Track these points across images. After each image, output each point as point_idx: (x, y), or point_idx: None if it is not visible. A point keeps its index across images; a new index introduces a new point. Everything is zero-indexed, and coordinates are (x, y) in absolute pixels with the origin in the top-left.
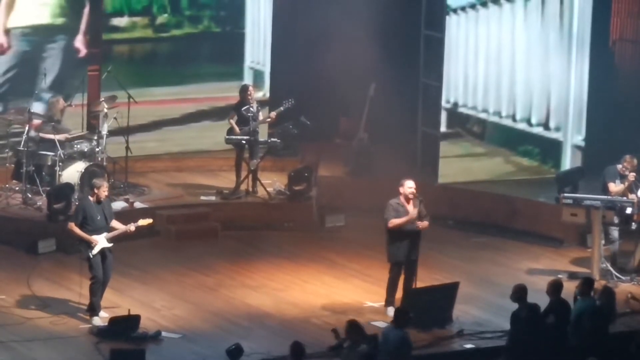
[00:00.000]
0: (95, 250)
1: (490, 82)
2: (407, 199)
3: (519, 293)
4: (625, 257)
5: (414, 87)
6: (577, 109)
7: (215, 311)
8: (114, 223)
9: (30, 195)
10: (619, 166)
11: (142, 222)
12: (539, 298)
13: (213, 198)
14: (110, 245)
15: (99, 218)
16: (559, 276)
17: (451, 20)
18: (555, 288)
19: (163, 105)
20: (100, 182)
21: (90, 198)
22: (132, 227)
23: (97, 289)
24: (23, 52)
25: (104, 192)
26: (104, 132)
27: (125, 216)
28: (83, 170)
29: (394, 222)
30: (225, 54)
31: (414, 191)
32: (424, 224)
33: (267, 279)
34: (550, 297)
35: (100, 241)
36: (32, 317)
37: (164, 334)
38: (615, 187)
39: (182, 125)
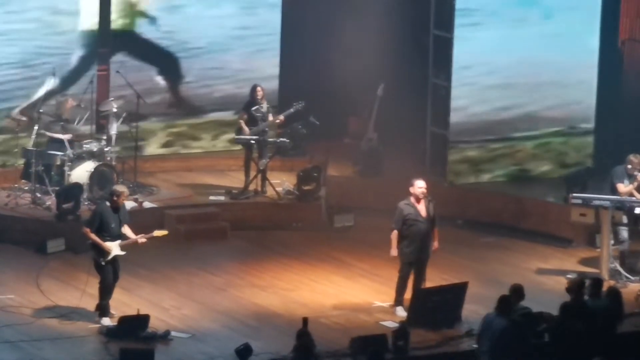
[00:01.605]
0: (108, 258)
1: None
2: (418, 199)
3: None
4: (634, 257)
5: (423, 87)
6: (586, 108)
7: (224, 311)
8: (126, 229)
9: (39, 195)
10: (627, 166)
11: (158, 233)
12: (548, 298)
13: (222, 198)
14: (123, 253)
15: (113, 226)
16: (568, 276)
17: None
18: (579, 286)
19: None
20: (121, 189)
21: (108, 204)
22: (142, 239)
23: (106, 292)
24: None
25: (123, 199)
26: (113, 132)
27: (135, 216)
28: (92, 170)
29: (392, 239)
30: None
31: (425, 191)
32: (434, 246)
33: (275, 278)
34: (571, 296)
35: (114, 249)
36: (41, 317)
37: (173, 333)
38: (624, 187)
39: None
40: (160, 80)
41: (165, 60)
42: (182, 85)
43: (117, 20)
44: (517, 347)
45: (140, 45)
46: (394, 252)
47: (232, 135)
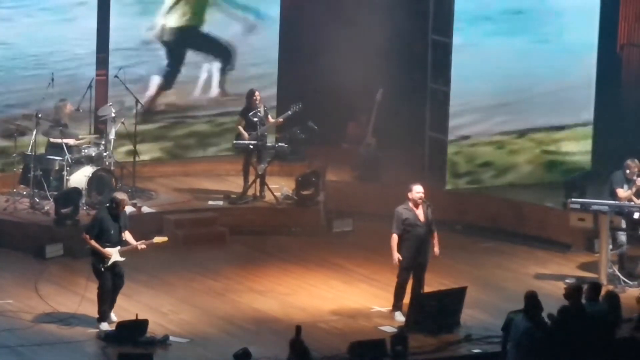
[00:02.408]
0: (108, 264)
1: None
2: (416, 204)
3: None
4: (632, 262)
5: (421, 92)
6: (585, 113)
7: (223, 316)
8: (127, 235)
9: (37, 200)
10: (625, 171)
11: (158, 239)
12: (546, 303)
13: (220, 203)
14: (122, 259)
15: (112, 232)
16: (567, 281)
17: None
18: (576, 292)
19: None
20: (121, 196)
21: (108, 210)
22: (142, 245)
23: (105, 298)
24: None
25: (123, 207)
26: (112, 136)
27: (133, 221)
28: (91, 175)
29: (392, 244)
30: None
31: (422, 196)
32: (435, 252)
33: (274, 283)
34: (569, 301)
35: (114, 255)
36: (39, 322)
37: (171, 338)
38: (623, 192)
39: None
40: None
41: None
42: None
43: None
44: (541, 348)
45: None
46: (397, 257)
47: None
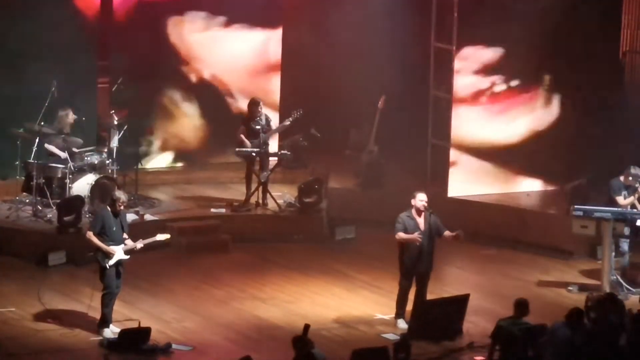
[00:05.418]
0: (112, 261)
1: None
2: (419, 212)
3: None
4: (635, 269)
5: (424, 100)
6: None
7: (225, 323)
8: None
9: (40, 208)
10: (627, 178)
11: (161, 236)
12: (549, 310)
13: (223, 210)
14: (127, 257)
15: (114, 229)
16: (569, 288)
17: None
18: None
19: None
20: (120, 194)
21: (109, 209)
22: (139, 244)
23: (109, 300)
24: None
25: (121, 204)
26: (114, 144)
27: (136, 229)
28: (93, 183)
29: (400, 235)
30: None
31: (425, 204)
32: (454, 235)
33: (277, 291)
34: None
35: (118, 252)
36: (42, 330)
37: (174, 346)
38: (624, 200)
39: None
40: None
41: None
42: None
43: None
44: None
45: None
46: (416, 235)
47: None
